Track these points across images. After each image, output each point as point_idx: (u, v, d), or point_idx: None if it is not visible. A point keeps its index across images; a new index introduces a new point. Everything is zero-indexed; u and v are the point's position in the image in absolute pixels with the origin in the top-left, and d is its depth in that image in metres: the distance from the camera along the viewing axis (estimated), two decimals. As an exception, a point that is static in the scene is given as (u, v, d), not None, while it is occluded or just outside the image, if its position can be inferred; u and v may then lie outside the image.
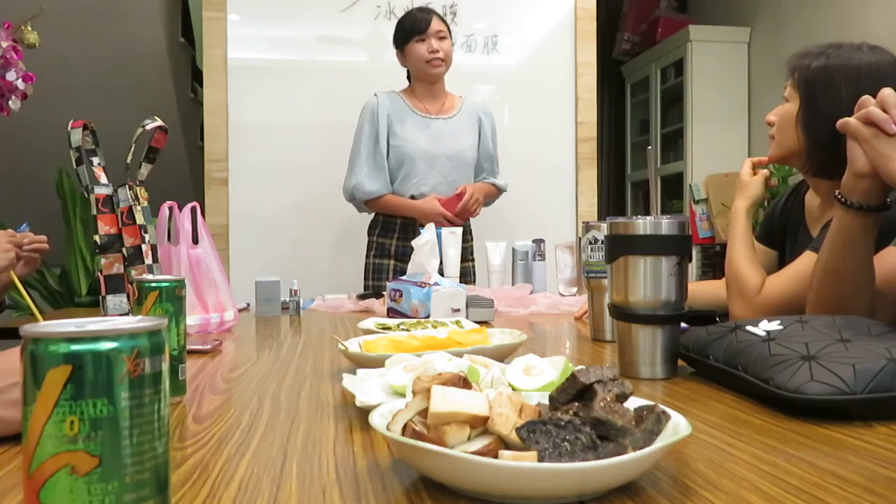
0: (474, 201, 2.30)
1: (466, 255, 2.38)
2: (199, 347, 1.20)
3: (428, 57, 2.27)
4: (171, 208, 1.49)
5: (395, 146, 2.32)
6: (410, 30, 2.28)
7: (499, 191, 2.48)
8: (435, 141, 2.34)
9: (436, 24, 2.28)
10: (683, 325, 0.97)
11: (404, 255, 2.21)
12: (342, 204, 3.02)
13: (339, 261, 2.95)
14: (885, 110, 0.86)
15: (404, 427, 0.54)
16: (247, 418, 0.75)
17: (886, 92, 0.87)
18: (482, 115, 2.43)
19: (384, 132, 2.32)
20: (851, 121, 0.90)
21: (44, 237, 1.68)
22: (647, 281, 0.91)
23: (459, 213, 2.28)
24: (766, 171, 1.37)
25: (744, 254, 1.27)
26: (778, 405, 0.74)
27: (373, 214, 2.43)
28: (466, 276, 2.37)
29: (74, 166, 1.27)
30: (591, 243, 1.31)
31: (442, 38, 2.28)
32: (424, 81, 2.35)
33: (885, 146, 0.86)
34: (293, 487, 0.54)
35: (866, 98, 0.89)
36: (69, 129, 1.26)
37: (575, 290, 1.97)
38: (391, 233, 2.36)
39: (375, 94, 2.37)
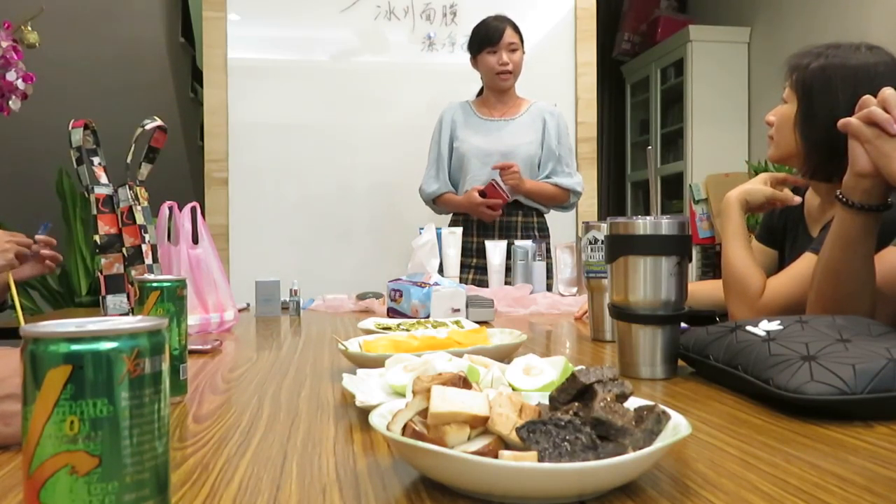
0: (510, 174, 2.27)
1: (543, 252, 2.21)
2: (200, 347, 1.20)
3: (497, 69, 2.36)
4: (171, 208, 1.49)
5: (455, 148, 2.44)
6: (483, 40, 2.36)
7: (565, 191, 2.40)
8: (490, 139, 2.40)
9: (508, 36, 2.34)
10: (683, 325, 0.97)
11: (470, 252, 2.37)
12: (342, 204, 3.03)
13: (339, 261, 2.95)
14: (886, 110, 0.86)
15: (404, 427, 0.54)
16: (247, 418, 0.75)
17: (888, 92, 0.87)
18: (547, 115, 2.45)
19: (447, 137, 2.46)
20: (853, 121, 0.90)
21: (52, 240, 1.68)
22: (647, 281, 0.91)
23: (493, 194, 2.28)
24: (782, 195, 1.25)
25: (742, 253, 1.23)
26: (778, 405, 0.74)
27: (450, 215, 2.52)
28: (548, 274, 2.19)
29: (75, 166, 1.27)
30: (591, 243, 1.31)
31: (513, 51, 2.36)
32: (493, 90, 2.44)
33: (887, 146, 0.86)
34: (293, 487, 0.54)
35: (868, 98, 0.89)
36: (70, 128, 1.26)
37: (575, 290, 1.97)
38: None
39: (449, 103, 2.51)
